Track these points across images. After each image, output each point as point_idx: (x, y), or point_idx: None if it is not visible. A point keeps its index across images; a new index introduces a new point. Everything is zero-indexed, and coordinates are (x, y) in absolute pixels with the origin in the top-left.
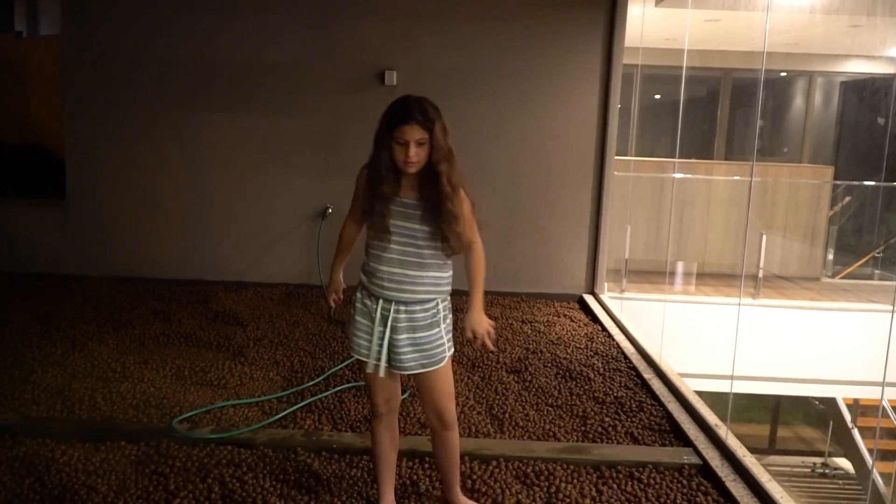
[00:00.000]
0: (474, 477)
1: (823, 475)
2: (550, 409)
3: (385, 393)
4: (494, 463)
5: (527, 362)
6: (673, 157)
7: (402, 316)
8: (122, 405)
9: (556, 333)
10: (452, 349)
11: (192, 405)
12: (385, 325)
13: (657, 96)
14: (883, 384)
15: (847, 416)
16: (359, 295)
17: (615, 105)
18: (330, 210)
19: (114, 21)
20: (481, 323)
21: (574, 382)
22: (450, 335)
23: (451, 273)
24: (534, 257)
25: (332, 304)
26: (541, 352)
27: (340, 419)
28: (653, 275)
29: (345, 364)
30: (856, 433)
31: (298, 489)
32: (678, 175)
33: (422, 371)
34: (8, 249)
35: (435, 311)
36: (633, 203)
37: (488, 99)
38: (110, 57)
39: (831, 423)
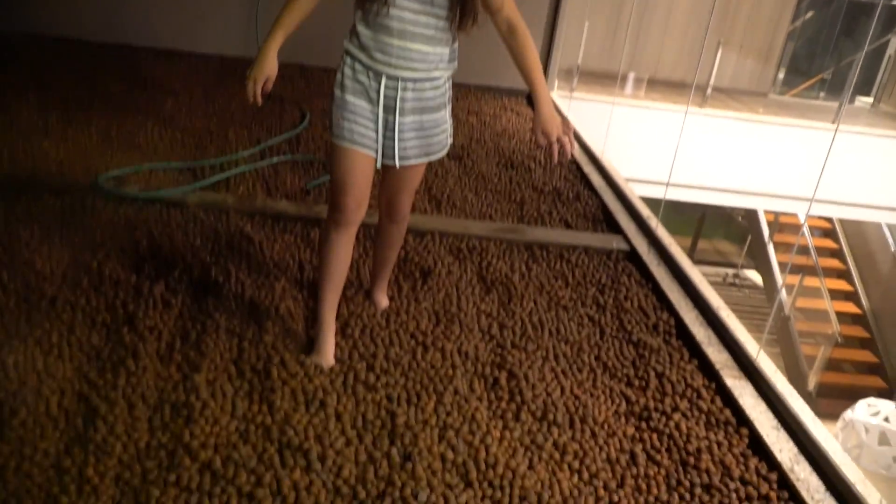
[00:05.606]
0: (408, 248)
1: (733, 284)
2: (489, 193)
3: (360, 193)
4: (429, 237)
5: (469, 150)
6: None
7: (410, 94)
8: (45, 161)
9: (501, 126)
10: (452, 139)
11: (118, 165)
12: (389, 110)
13: None
14: (811, 200)
15: (765, 232)
16: (348, 71)
17: None
18: None
19: None
20: (555, 122)
21: (515, 171)
22: (451, 121)
23: (457, 45)
24: (483, 49)
25: (256, 98)
26: (484, 142)
27: (275, 188)
28: (605, 78)
29: (283, 138)
30: (770, 248)
31: (230, 249)
32: None
33: (423, 160)
34: None
35: (444, 89)
36: (592, 2)
37: None
38: None
39: (749, 237)
